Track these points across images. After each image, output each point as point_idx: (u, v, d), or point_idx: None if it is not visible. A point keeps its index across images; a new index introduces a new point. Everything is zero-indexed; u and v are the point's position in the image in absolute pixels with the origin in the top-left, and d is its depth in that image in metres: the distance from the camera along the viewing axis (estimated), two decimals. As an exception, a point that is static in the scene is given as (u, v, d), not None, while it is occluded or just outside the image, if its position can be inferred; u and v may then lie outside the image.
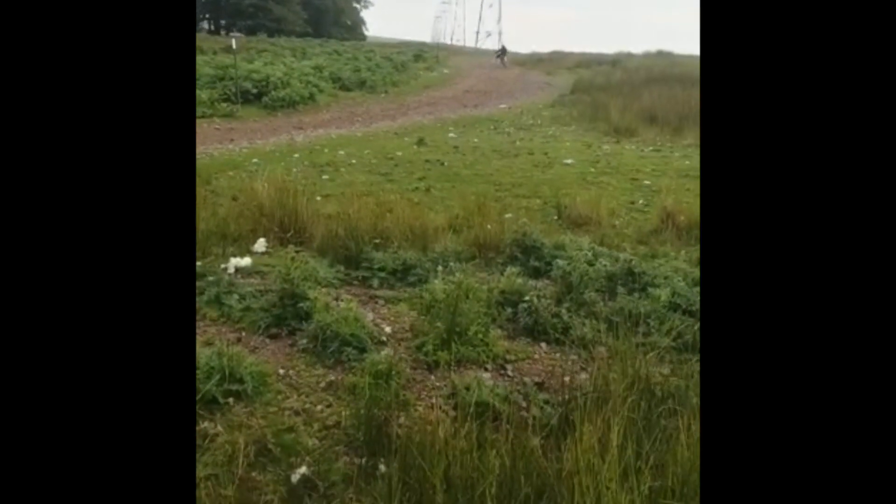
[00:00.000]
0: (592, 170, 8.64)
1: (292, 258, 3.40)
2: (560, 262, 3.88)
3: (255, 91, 14.28)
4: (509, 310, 3.43)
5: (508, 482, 1.87)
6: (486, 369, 2.92)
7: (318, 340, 2.94)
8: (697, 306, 3.35)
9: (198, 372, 2.45)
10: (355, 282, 3.88)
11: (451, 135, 11.92)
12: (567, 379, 2.67)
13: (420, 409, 2.51)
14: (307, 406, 2.53)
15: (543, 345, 3.19)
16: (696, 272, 3.98)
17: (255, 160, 8.49)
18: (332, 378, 2.74)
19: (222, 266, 3.85)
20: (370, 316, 3.35)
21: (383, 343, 3.08)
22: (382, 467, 2.11)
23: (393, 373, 2.63)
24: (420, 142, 10.59)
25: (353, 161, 8.82)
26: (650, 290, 3.69)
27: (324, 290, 3.58)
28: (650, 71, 22.46)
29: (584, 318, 3.36)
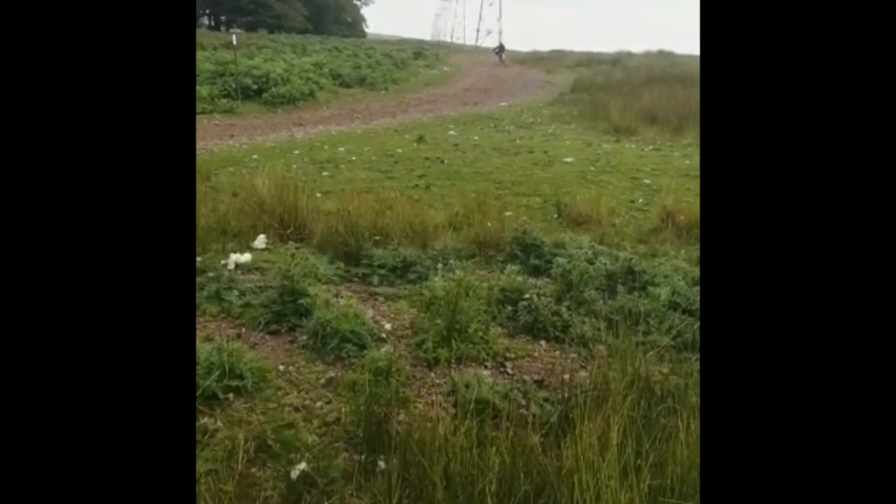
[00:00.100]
0: (592, 168, 8.64)
1: (292, 255, 3.40)
2: (560, 260, 3.88)
3: (255, 87, 14.27)
4: (509, 307, 3.43)
5: (508, 479, 1.87)
6: (485, 367, 2.92)
7: (318, 337, 2.94)
8: (697, 305, 3.36)
9: (198, 368, 2.45)
10: (355, 279, 3.88)
11: (451, 132, 11.91)
12: (567, 377, 2.67)
13: (420, 406, 2.51)
14: (307, 402, 2.53)
15: (543, 343, 3.19)
16: (696, 271, 3.98)
17: (255, 156, 8.49)
18: (332, 375, 2.74)
19: (222, 262, 3.85)
20: (370, 313, 3.35)
21: (383, 340, 3.08)
22: (382, 464, 2.11)
23: (393, 370, 2.63)
24: (420, 139, 10.58)
25: (353, 158, 8.82)
26: (650, 288, 3.69)
27: (324, 286, 3.59)
28: (650, 70, 22.44)
29: (584, 316, 3.36)
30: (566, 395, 2.46)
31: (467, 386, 2.57)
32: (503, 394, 2.57)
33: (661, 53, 32.71)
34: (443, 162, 8.76)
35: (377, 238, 4.30)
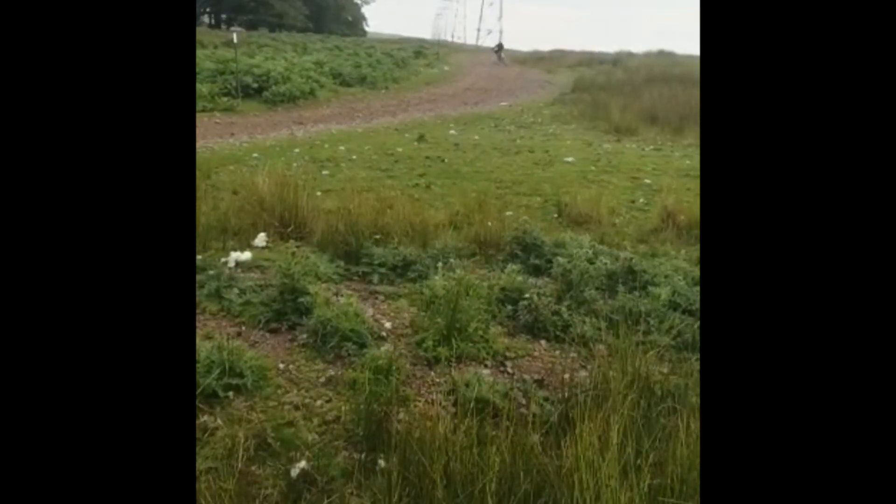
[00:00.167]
0: (593, 168, 8.64)
1: (293, 253, 3.40)
2: (560, 259, 3.88)
3: (255, 86, 14.28)
4: (509, 307, 3.43)
5: (508, 478, 1.87)
6: (485, 366, 2.92)
7: (318, 335, 2.94)
8: (697, 305, 3.36)
9: (198, 366, 2.45)
10: (355, 277, 3.88)
11: (451, 132, 11.91)
12: (567, 376, 2.67)
13: (420, 404, 2.51)
14: (307, 401, 2.53)
15: (543, 342, 3.19)
16: (696, 271, 3.99)
17: (255, 155, 8.49)
18: (332, 373, 2.74)
19: (222, 260, 3.85)
20: (370, 311, 3.35)
21: (383, 339, 3.08)
22: (382, 463, 2.11)
23: (393, 368, 2.63)
24: (420, 138, 10.58)
25: (354, 157, 8.82)
26: (650, 288, 3.69)
27: (324, 285, 3.59)
28: (651, 70, 22.45)
29: (584, 315, 3.36)
30: (566, 394, 2.46)
31: (467, 385, 2.57)
32: (503, 393, 2.57)
33: (661, 53, 32.68)
34: (443, 161, 8.75)
35: (377, 237, 4.30)
